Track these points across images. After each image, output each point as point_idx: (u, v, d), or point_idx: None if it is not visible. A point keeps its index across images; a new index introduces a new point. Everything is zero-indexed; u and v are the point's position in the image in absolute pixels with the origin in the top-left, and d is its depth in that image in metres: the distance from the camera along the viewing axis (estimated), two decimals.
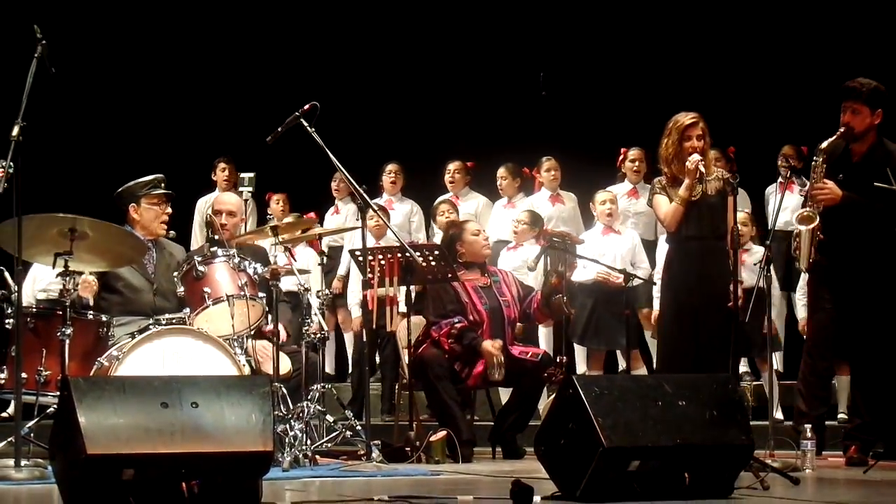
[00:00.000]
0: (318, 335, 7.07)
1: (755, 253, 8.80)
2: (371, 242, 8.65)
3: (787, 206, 8.15)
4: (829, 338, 6.92)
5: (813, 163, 6.75)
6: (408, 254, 7.27)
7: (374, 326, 8.34)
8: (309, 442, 6.65)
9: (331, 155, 6.84)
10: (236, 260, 6.74)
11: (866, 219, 6.75)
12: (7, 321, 6.37)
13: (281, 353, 6.83)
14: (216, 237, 7.38)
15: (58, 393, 5.30)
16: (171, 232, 7.31)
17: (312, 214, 9.61)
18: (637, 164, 9.72)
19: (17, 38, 6.36)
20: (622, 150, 9.86)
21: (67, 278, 6.10)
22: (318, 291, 7.49)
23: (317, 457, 6.66)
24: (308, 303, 7.01)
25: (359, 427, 7.06)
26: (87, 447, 4.24)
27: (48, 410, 6.25)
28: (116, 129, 11.37)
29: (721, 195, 7.08)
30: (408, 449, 7.15)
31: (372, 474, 6.28)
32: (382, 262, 7.40)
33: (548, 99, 11.60)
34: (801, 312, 8.61)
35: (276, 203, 10.38)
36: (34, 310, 6.62)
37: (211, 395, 4.50)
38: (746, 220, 8.62)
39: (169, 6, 11.67)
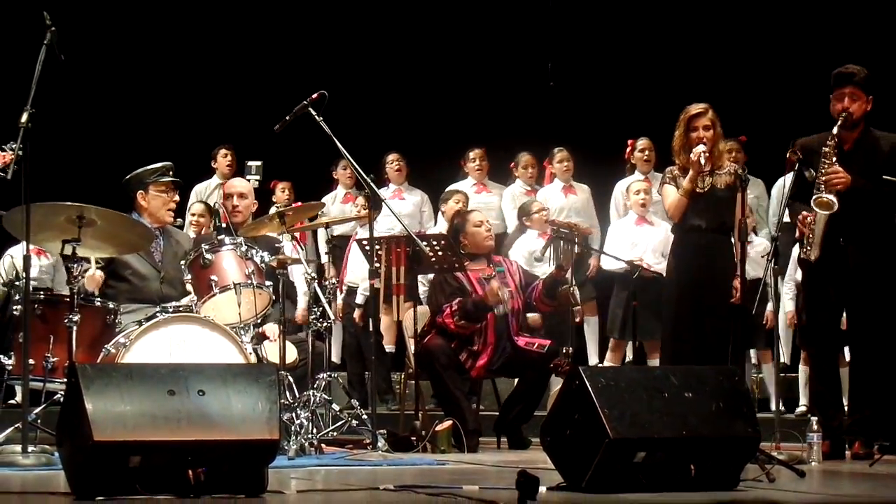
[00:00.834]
0: (325, 324, 7.07)
1: (756, 245, 8.79)
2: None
3: None
4: (834, 339, 6.90)
5: (824, 149, 6.70)
6: (416, 244, 7.28)
7: (378, 315, 8.34)
8: (315, 430, 6.65)
9: (339, 145, 6.84)
10: (244, 248, 6.74)
11: (872, 205, 6.72)
12: (15, 308, 6.39)
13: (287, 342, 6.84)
14: (223, 225, 7.38)
15: (65, 380, 5.32)
16: (178, 220, 7.31)
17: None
18: (647, 153, 9.70)
19: (27, 24, 6.36)
20: (629, 141, 9.85)
21: (75, 265, 6.10)
22: (324, 280, 7.50)
23: (322, 445, 6.68)
24: (315, 291, 7.00)
25: (364, 416, 7.07)
26: (93, 434, 4.26)
27: (55, 397, 6.27)
28: (123, 116, 11.37)
29: (730, 189, 7.06)
30: (413, 438, 7.16)
31: (377, 463, 6.29)
32: (389, 251, 7.40)
33: (556, 89, 11.58)
34: (789, 305, 8.59)
35: (282, 191, 10.39)
36: (42, 296, 6.63)
37: (217, 382, 4.51)
38: (748, 211, 8.58)
39: None
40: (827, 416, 6.68)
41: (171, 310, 6.52)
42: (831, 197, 6.60)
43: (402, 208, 9.90)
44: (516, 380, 8.02)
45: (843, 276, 6.75)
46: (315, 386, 6.89)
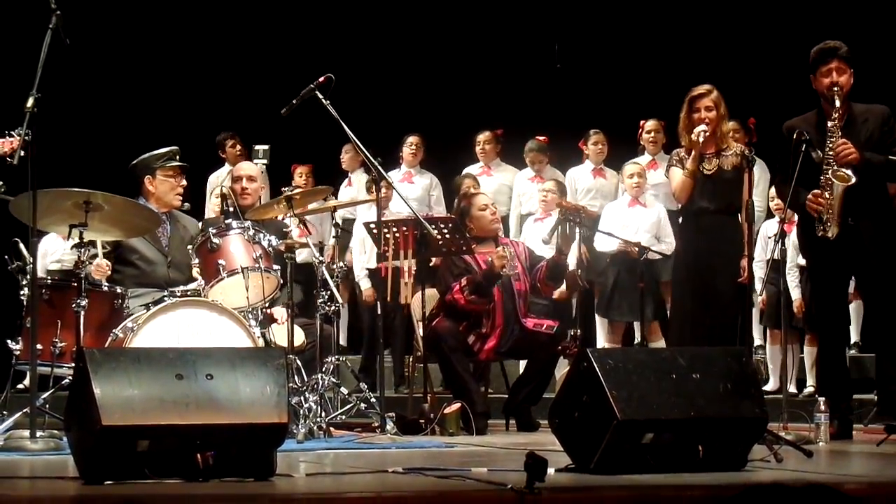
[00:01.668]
0: (333, 307, 7.08)
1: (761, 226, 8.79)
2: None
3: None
4: (843, 321, 6.87)
5: (829, 123, 6.65)
6: (423, 227, 7.28)
7: (388, 299, 8.35)
8: (323, 414, 6.66)
9: (345, 127, 6.84)
10: (251, 232, 6.74)
11: (879, 179, 6.67)
12: (22, 293, 6.39)
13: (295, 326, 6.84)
14: (231, 209, 7.38)
15: (73, 364, 5.32)
16: (186, 204, 7.32)
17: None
18: (654, 135, 9.69)
19: (32, 8, 6.35)
20: (641, 122, 9.83)
21: (82, 250, 6.11)
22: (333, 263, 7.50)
23: (331, 429, 6.69)
24: (323, 275, 7.01)
25: (373, 399, 7.07)
26: (102, 418, 4.26)
27: (63, 382, 6.28)
28: (129, 101, 11.35)
29: (737, 170, 7.04)
30: (422, 421, 7.16)
31: (386, 446, 6.30)
32: (397, 234, 7.41)
33: (563, 71, 11.55)
34: (795, 293, 8.57)
35: (300, 176, 10.38)
36: (49, 281, 6.64)
37: (226, 366, 4.52)
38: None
39: None
40: (835, 398, 6.66)
41: (178, 294, 6.52)
42: (847, 171, 6.53)
43: (412, 191, 9.91)
44: (523, 362, 8.02)
45: (859, 253, 6.66)
46: (323, 369, 6.90)
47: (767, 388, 8.56)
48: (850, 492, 4.02)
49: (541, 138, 10.17)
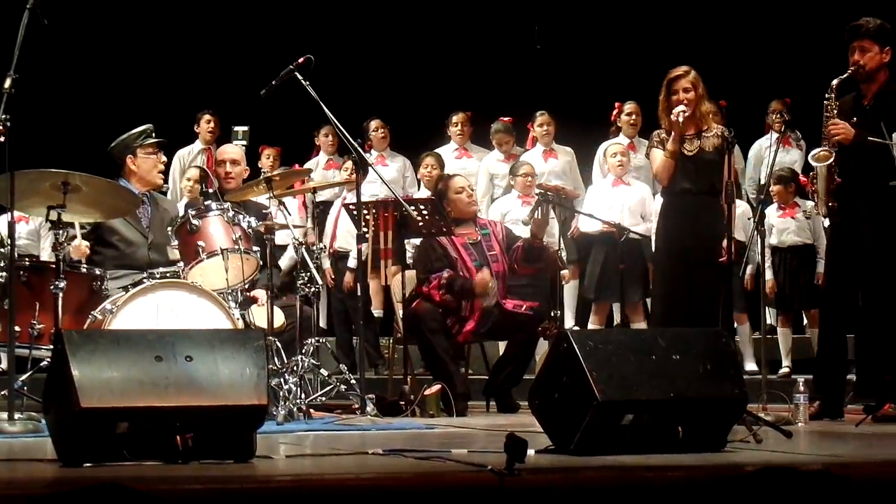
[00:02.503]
0: (312, 289, 7.06)
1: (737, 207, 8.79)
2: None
3: (782, 160, 8.08)
4: (852, 304, 6.86)
5: (825, 101, 6.62)
6: (403, 208, 7.27)
7: (367, 281, 8.33)
8: (303, 396, 6.65)
9: (326, 109, 6.82)
10: (230, 213, 6.71)
11: (882, 158, 6.63)
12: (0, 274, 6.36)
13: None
14: (210, 190, 7.35)
15: (51, 346, 5.30)
16: (166, 185, 7.29)
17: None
18: (633, 117, 9.69)
19: None
20: (616, 104, 9.83)
21: (61, 232, 6.08)
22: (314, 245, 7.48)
23: (311, 410, 6.68)
24: (302, 256, 6.99)
25: (353, 381, 7.07)
26: (80, 400, 4.25)
27: (41, 364, 6.24)
28: (107, 81, 11.30)
29: (718, 151, 7.03)
30: (402, 403, 7.16)
31: (366, 428, 6.29)
32: (377, 216, 7.39)
33: (542, 52, 11.54)
34: (769, 274, 8.56)
35: (267, 158, 10.36)
36: (27, 263, 6.60)
37: (205, 348, 4.50)
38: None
39: None
40: (832, 376, 6.67)
41: (158, 276, 6.50)
42: (828, 150, 6.54)
43: (386, 174, 9.85)
44: (503, 343, 8.02)
45: (855, 234, 6.67)
46: (303, 351, 6.89)
47: (782, 371, 8.64)
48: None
49: (505, 119, 10.14)
